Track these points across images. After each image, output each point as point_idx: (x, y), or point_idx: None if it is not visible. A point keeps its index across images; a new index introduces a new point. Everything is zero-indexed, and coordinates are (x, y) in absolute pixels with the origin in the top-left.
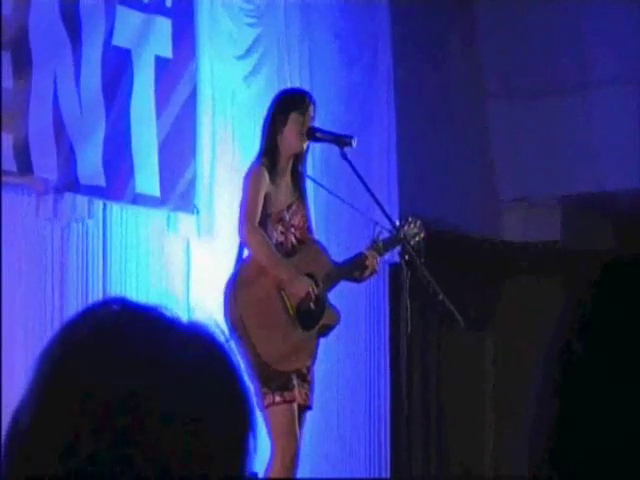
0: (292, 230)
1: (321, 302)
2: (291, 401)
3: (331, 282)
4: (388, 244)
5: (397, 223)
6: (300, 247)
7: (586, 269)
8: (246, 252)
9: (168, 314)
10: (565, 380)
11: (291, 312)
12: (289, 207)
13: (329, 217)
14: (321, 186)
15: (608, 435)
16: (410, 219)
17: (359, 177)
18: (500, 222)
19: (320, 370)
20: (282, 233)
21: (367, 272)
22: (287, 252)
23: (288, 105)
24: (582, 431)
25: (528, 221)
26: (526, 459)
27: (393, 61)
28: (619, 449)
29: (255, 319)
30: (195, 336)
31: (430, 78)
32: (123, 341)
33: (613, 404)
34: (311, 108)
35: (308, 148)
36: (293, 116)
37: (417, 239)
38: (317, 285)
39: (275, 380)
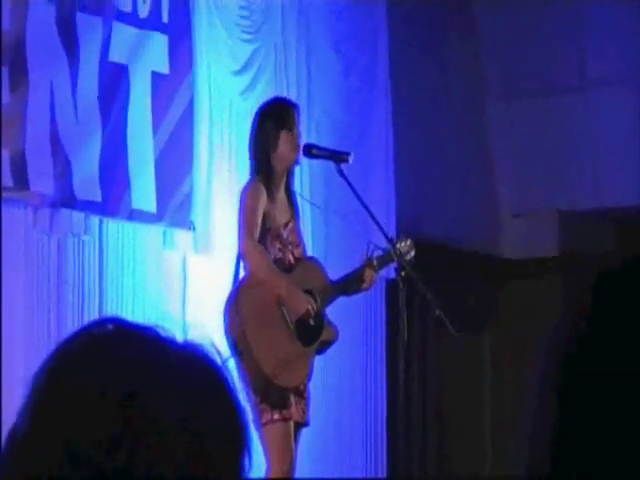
0: (290, 247)
1: (320, 318)
2: (288, 419)
3: (329, 298)
4: (382, 261)
5: (391, 239)
6: (297, 264)
7: (585, 272)
8: (242, 267)
9: (163, 334)
10: (564, 381)
11: (291, 327)
12: (286, 225)
13: (328, 232)
14: (313, 205)
15: (608, 435)
16: (402, 236)
17: (355, 193)
18: (499, 234)
19: (318, 377)
20: (280, 250)
21: (364, 285)
22: (285, 269)
23: (277, 123)
24: (582, 433)
25: (527, 233)
26: (525, 460)
27: (391, 65)
28: (620, 448)
29: (257, 333)
30: (190, 357)
31: (429, 82)
32: (117, 361)
33: (612, 404)
34: (298, 119)
35: (299, 162)
36: (284, 133)
37: (408, 257)
38: (315, 301)
39: (274, 396)
